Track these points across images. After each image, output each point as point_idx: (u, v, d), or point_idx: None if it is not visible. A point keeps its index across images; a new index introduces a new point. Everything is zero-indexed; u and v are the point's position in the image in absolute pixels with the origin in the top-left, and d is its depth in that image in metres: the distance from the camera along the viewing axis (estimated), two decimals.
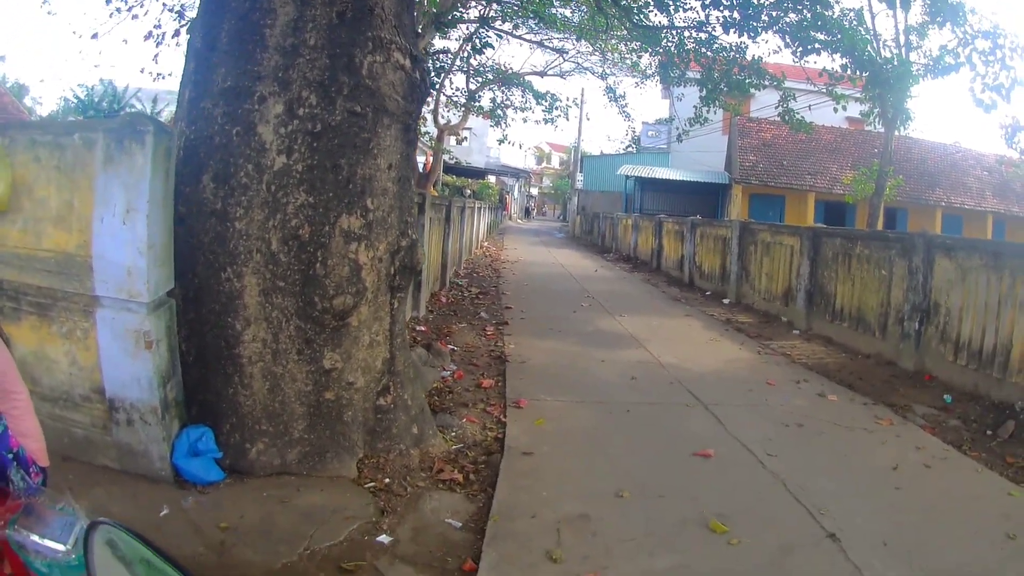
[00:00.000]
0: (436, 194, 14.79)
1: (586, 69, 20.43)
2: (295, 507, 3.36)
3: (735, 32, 9.69)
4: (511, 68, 21.03)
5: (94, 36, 10.77)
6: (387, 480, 3.75)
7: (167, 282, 3.49)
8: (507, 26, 17.47)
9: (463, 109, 21.69)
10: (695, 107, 14.34)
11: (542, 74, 21.48)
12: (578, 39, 17.34)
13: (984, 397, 5.69)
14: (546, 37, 18.69)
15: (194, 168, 3.60)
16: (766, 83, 13.61)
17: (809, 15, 10.58)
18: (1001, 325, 5.64)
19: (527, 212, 63.56)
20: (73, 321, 3.41)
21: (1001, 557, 3.23)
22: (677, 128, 17.21)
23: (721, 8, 9.33)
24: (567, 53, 19.79)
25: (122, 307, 3.31)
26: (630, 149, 31.57)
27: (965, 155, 26.51)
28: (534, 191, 73.16)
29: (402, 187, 4.00)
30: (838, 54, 12.07)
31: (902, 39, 11.90)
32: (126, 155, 3.22)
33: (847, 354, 7.68)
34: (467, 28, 17.09)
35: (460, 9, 14.84)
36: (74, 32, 45.14)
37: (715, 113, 14.88)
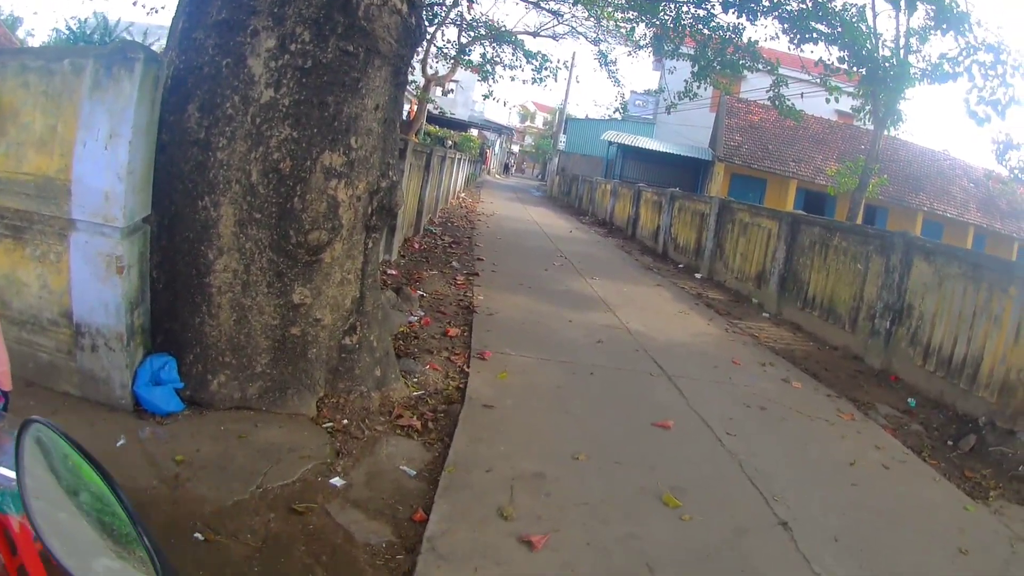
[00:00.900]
0: (418, 142, 14.44)
1: (580, 33, 20.04)
2: (252, 443, 3.32)
3: (734, 13, 9.53)
4: (504, 26, 20.62)
5: None
6: (345, 421, 3.72)
7: (143, 208, 3.45)
8: None
9: (452, 61, 21.22)
10: (686, 81, 14.23)
11: (535, 34, 21.01)
12: (575, 3, 16.96)
13: (949, 406, 5.67)
14: None
15: (181, 97, 3.53)
16: (760, 66, 13.50)
17: (811, 4, 10.44)
18: (974, 336, 5.59)
19: (506, 168, 63.14)
20: (47, 244, 3.38)
21: (953, 571, 3.20)
22: (666, 100, 17.05)
23: None
24: (562, 16, 19.40)
25: (96, 231, 3.28)
26: (615, 116, 31.21)
27: (953, 164, 26.31)
28: (515, 148, 72.59)
29: (387, 129, 3.96)
30: (836, 46, 11.99)
31: (902, 41, 11.82)
32: (114, 81, 3.18)
33: (815, 343, 7.74)
34: None
35: None
36: None
37: (705, 90, 14.79)
